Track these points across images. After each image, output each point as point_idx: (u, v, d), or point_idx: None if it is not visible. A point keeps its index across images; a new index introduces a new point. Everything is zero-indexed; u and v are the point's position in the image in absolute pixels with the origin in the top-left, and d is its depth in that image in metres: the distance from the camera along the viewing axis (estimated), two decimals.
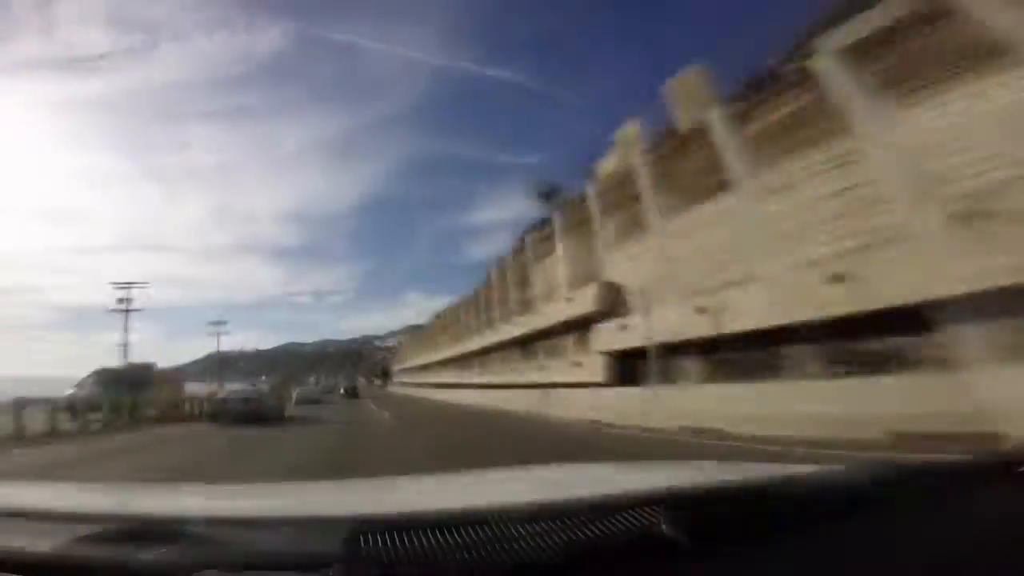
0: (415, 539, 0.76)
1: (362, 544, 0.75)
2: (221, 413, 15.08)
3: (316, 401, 29.45)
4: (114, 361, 26.49)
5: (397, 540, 0.76)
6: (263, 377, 48.31)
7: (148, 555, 0.73)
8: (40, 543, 0.79)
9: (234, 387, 18.69)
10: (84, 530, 0.82)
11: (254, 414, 14.53)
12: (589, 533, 0.77)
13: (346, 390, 40.90)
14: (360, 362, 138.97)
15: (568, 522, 0.79)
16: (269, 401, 16.57)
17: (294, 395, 29.93)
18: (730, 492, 1.09)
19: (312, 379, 79.96)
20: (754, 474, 1.40)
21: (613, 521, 0.79)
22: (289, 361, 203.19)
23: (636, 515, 0.81)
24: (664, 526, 0.76)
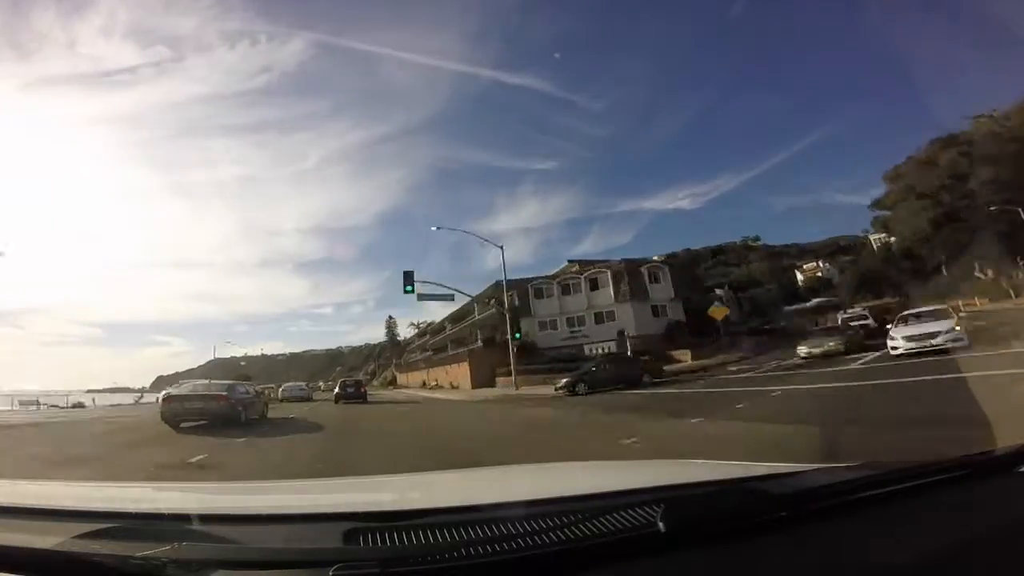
0: (413, 536, 0.79)
1: (361, 541, 0.79)
2: (172, 414, 11.80)
3: (306, 399, 29.93)
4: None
5: (396, 537, 0.79)
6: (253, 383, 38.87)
7: (150, 552, 0.72)
8: (42, 540, 0.79)
9: (198, 383, 14.75)
10: (86, 527, 0.83)
11: (216, 414, 11.68)
12: (585, 530, 0.78)
13: (343, 388, 27.12)
14: (391, 355, 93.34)
15: (564, 519, 0.81)
16: (246, 400, 13.35)
17: (280, 392, 31.03)
18: (726, 490, 1.11)
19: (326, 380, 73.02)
20: (750, 472, 1.35)
21: (609, 518, 0.81)
22: (301, 365, 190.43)
23: (632, 512, 0.82)
24: (660, 523, 0.77)
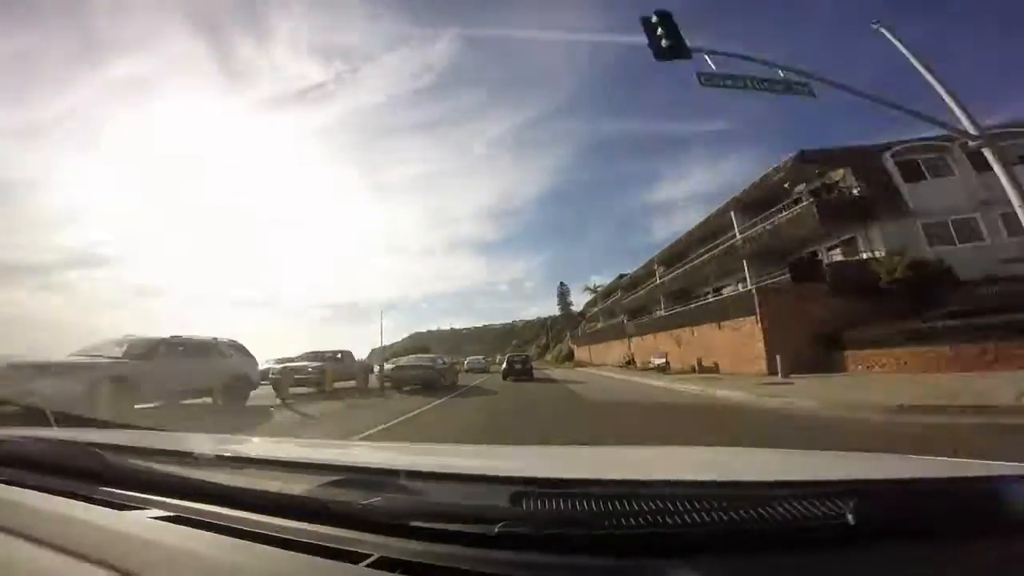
0: (574, 503, 0.84)
1: (524, 504, 0.85)
2: (397, 379, 16.96)
3: (484, 370, 36.40)
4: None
5: (557, 502, 0.85)
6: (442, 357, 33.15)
7: (367, 501, 0.88)
8: (292, 487, 0.99)
9: (412, 357, 21.44)
10: (323, 479, 1.02)
11: (426, 380, 16.92)
12: (760, 513, 0.77)
13: (510, 364, 25.07)
14: (564, 327, 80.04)
15: (735, 502, 0.79)
16: (444, 370, 18.83)
17: (465, 364, 37.94)
18: (932, 488, 0.99)
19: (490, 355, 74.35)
20: (961, 472, 1.15)
21: (790, 505, 0.78)
22: (479, 337, 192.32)
23: (818, 502, 0.79)
24: (849, 515, 0.74)
